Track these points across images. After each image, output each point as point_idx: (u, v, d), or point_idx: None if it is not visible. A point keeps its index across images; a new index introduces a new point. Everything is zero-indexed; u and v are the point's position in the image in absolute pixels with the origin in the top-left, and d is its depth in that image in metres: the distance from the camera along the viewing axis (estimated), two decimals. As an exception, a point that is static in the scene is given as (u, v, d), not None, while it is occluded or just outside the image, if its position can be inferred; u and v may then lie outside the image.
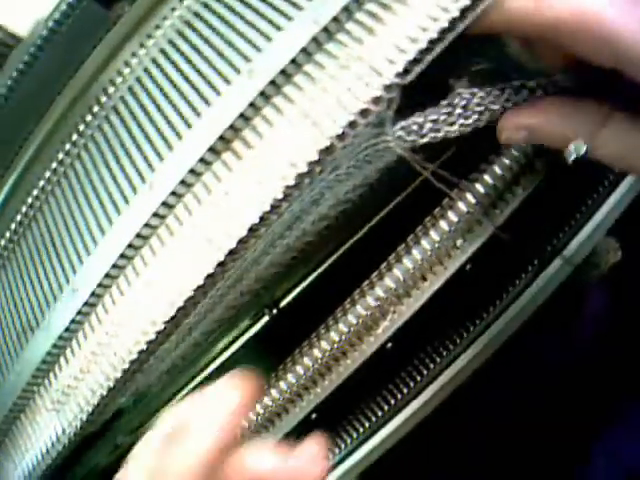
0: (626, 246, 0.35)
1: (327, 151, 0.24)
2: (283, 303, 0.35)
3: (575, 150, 0.24)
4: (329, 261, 0.33)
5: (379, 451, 0.34)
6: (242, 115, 0.25)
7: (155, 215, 0.26)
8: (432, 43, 0.23)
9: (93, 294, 0.28)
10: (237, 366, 0.36)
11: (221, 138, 0.25)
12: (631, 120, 0.23)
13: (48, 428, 0.29)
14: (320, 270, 0.34)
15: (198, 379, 0.35)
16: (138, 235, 0.26)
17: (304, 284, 0.34)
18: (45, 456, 0.29)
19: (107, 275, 0.27)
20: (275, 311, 0.35)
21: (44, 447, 0.29)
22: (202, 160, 0.26)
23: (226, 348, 0.35)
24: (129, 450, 0.24)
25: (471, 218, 0.29)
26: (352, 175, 0.27)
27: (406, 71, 0.24)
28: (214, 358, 0.35)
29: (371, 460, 0.34)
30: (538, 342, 0.36)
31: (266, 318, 0.35)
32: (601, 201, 0.32)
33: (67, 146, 0.30)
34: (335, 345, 0.31)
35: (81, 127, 0.29)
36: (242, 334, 0.35)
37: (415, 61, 0.24)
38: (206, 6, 0.27)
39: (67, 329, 0.28)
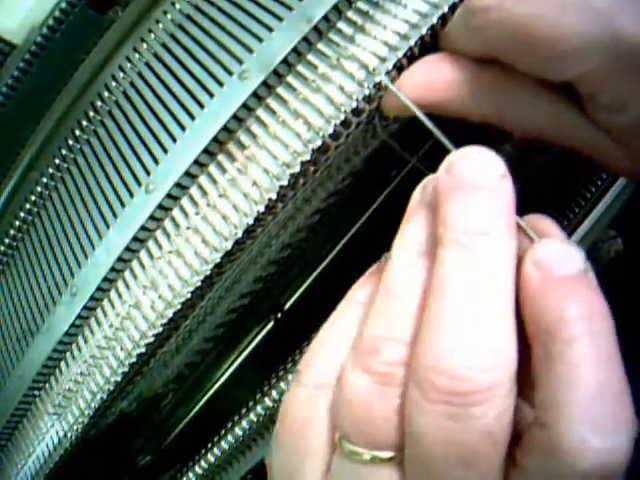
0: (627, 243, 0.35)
1: (321, 151, 0.24)
2: (287, 306, 0.35)
3: None
4: (328, 259, 0.33)
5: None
6: (235, 117, 0.25)
7: (152, 218, 0.26)
8: (423, 40, 0.24)
9: (92, 298, 0.28)
10: (245, 372, 0.36)
11: (215, 140, 0.25)
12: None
13: (50, 432, 0.29)
14: (320, 269, 0.34)
15: (213, 389, 0.35)
16: (135, 238, 0.27)
17: (306, 284, 0.34)
18: (47, 460, 0.29)
19: (106, 279, 0.27)
20: (279, 315, 0.35)
21: (46, 451, 0.29)
22: (197, 162, 0.26)
23: (236, 358, 0.35)
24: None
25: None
26: (342, 169, 0.27)
27: (398, 68, 0.24)
28: (226, 369, 0.35)
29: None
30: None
31: (271, 323, 0.35)
32: (599, 195, 0.32)
33: (64, 151, 0.30)
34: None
35: (77, 132, 0.29)
36: (250, 342, 0.35)
37: (407, 58, 0.24)
38: (198, 9, 0.27)
39: (67, 333, 0.28)
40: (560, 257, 0.18)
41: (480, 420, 0.17)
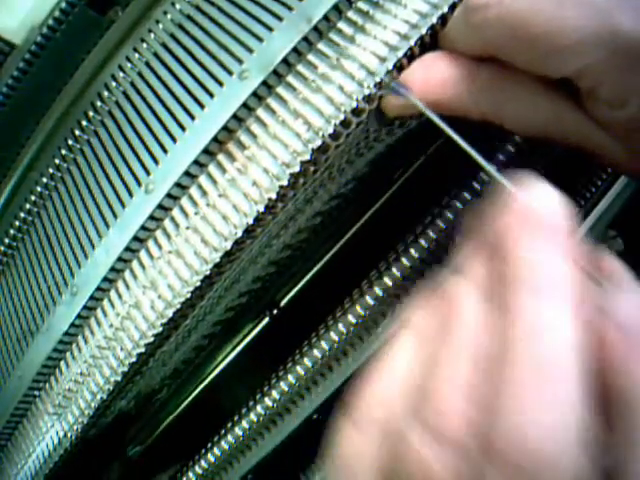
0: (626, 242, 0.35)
1: (320, 150, 0.24)
2: (283, 303, 0.35)
3: None
4: (326, 257, 0.33)
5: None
6: (235, 116, 0.25)
7: (151, 218, 0.26)
8: (423, 40, 0.24)
9: (92, 298, 0.28)
10: (240, 368, 0.36)
11: (215, 140, 0.25)
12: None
13: (50, 432, 0.29)
14: (318, 267, 0.34)
15: (206, 382, 0.35)
16: (135, 238, 0.27)
17: (303, 282, 0.34)
18: (47, 460, 0.29)
19: (106, 279, 0.27)
20: (275, 311, 0.35)
21: (46, 451, 0.29)
22: (197, 162, 0.26)
23: (230, 351, 0.35)
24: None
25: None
26: (344, 172, 0.27)
27: (398, 68, 0.24)
28: (219, 362, 0.35)
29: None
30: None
31: (267, 319, 0.35)
32: (600, 196, 0.32)
33: (64, 151, 0.30)
34: (335, 345, 0.31)
35: (77, 132, 0.29)
36: (244, 337, 0.35)
37: (407, 58, 0.24)
38: (198, 9, 0.27)
39: (67, 333, 0.28)
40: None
41: None
